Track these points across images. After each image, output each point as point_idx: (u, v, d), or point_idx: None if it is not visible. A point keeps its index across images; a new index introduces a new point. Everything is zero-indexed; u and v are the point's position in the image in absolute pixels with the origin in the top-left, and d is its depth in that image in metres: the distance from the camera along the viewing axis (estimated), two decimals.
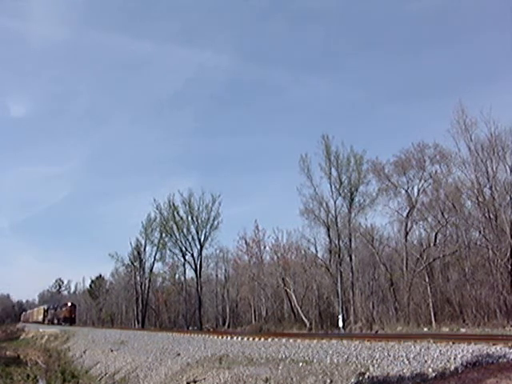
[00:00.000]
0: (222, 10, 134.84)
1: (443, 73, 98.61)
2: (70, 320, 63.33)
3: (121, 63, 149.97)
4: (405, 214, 34.96)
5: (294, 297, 39.73)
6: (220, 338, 19.08)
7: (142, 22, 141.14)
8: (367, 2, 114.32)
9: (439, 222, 32.37)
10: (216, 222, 47.54)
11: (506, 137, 28.96)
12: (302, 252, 45.34)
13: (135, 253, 55.59)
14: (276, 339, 15.66)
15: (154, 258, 54.24)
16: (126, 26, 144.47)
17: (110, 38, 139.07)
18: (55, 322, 67.80)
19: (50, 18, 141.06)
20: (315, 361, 11.44)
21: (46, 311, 78.03)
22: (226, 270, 58.90)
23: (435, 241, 32.91)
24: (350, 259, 36.60)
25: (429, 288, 30.45)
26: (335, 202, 37.15)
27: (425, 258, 31.90)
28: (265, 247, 51.64)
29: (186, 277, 52.83)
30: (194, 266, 47.95)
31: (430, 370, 8.89)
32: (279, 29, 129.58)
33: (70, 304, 68.48)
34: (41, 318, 79.34)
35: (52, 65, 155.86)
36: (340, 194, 37.01)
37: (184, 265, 50.86)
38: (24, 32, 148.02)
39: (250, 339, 16.94)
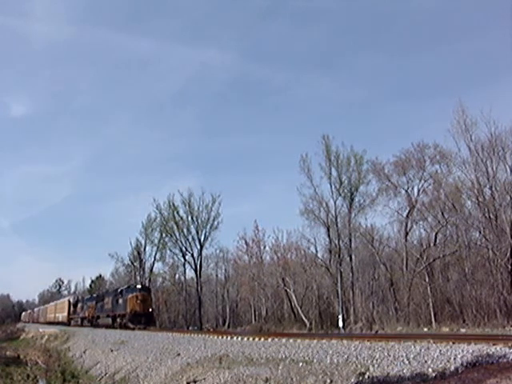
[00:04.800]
0: (225, 8, 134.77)
1: (443, 73, 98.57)
2: (147, 318, 32.22)
3: (122, 62, 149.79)
4: (405, 214, 34.99)
5: (293, 297, 39.74)
6: (220, 337, 19.07)
7: (145, 21, 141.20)
8: (368, 1, 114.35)
9: (439, 222, 32.38)
10: (216, 222, 47.80)
11: (506, 137, 29.06)
12: (302, 252, 45.41)
13: (135, 253, 55.59)
14: (276, 339, 15.65)
15: (154, 258, 54.31)
16: (128, 25, 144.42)
17: (112, 37, 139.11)
18: (105, 322, 37.56)
19: (52, 17, 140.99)
20: (315, 361, 11.44)
21: (73, 306, 51.52)
22: (226, 270, 58.99)
23: (435, 241, 32.92)
24: (350, 259, 36.65)
25: (429, 288, 30.46)
26: (335, 202, 37.29)
27: (425, 258, 31.91)
28: (265, 247, 51.74)
29: (186, 277, 53.01)
30: (194, 266, 48.09)
31: (430, 370, 8.88)
32: (282, 27, 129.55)
33: (139, 286, 34.97)
34: (62, 316, 53.98)
35: (53, 64, 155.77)
36: (340, 194, 37.10)
37: (184, 265, 51.09)
38: (26, 31, 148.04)
39: (250, 339, 16.93)
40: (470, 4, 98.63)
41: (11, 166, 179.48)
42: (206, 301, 56.64)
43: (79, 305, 49.11)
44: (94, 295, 46.91)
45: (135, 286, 34.69)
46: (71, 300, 53.71)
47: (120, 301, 34.10)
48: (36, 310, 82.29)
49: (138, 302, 32.12)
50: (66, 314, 52.79)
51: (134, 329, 30.39)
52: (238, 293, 55.80)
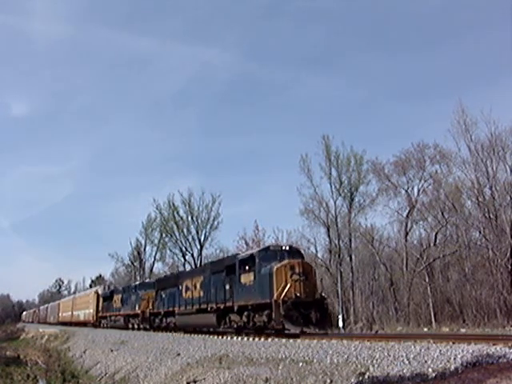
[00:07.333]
0: (226, 7, 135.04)
1: (444, 73, 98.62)
2: (319, 311, 14.81)
3: (123, 61, 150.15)
4: (405, 214, 35.00)
5: None
6: (220, 338, 19.07)
7: (145, 20, 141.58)
8: (368, 1, 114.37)
9: (439, 222, 32.39)
10: (216, 222, 47.82)
11: (506, 137, 29.10)
12: (302, 252, 45.33)
13: (135, 253, 55.68)
14: (276, 339, 15.64)
15: (154, 257, 54.39)
16: (128, 24, 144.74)
17: (113, 36, 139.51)
18: (195, 321, 20.86)
19: (53, 16, 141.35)
20: (315, 361, 11.42)
21: (103, 299, 37.62)
22: None
23: (435, 241, 32.93)
24: (350, 259, 36.66)
25: (429, 288, 30.47)
26: (335, 202, 37.34)
27: (425, 258, 31.92)
28: None
29: None
30: (194, 266, 48.03)
31: (430, 370, 8.87)
32: (282, 27, 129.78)
33: (287, 247, 17.21)
34: (85, 314, 41.54)
35: (54, 63, 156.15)
36: (340, 194, 37.15)
37: (184, 265, 51.01)
38: (26, 30, 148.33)
39: (250, 339, 16.92)
40: (470, 4, 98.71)
41: (11, 166, 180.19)
42: None
43: (116, 297, 33.59)
44: (148, 280, 32.74)
45: (281, 248, 17.04)
46: (100, 291, 39.53)
47: (246, 278, 16.75)
48: (43, 307, 69.17)
49: (297, 278, 15.16)
50: (91, 311, 39.17)
51: (298, 335, 15.37)
52: None
